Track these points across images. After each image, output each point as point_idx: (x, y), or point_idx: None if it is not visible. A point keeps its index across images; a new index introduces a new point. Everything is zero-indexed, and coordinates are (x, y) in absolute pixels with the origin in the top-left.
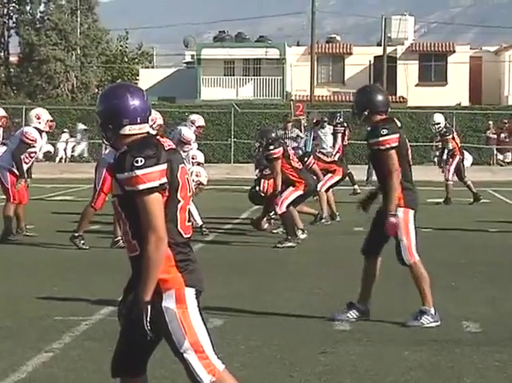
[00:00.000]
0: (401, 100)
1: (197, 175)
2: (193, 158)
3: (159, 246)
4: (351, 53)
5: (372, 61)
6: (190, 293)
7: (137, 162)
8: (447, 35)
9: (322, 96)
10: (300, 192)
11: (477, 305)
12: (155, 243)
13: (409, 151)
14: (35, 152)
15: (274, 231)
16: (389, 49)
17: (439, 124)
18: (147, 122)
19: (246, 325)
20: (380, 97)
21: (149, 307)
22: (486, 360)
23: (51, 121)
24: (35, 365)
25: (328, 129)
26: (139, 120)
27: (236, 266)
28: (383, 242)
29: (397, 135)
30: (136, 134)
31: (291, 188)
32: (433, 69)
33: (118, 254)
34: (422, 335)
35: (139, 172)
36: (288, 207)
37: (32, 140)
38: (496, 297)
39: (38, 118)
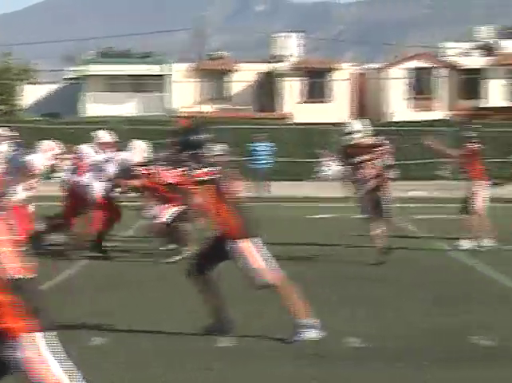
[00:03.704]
0: (286, 116)
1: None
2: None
3: None
4: (236, 70)
5: (258, 78)
6: (39, 336)
7: None
8: (332, 52)
9: (207, 113)
10: (176, 208)
11: (360, 321)
12: None
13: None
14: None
15: (161, 248)
16: (274, 66)
17: (359, 131)
18: None
19: (129, 343)
20: (200, 137)
21: None
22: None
23: None
24: None
25: None
26: None
27: (116, 282)
28: (214, 264)
29: (206, 169)
30: None
31: (167, 205)
32: (317, 85)
33: None
34: (303, 349)
35: None
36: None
37: None
38: (378, 312)
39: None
